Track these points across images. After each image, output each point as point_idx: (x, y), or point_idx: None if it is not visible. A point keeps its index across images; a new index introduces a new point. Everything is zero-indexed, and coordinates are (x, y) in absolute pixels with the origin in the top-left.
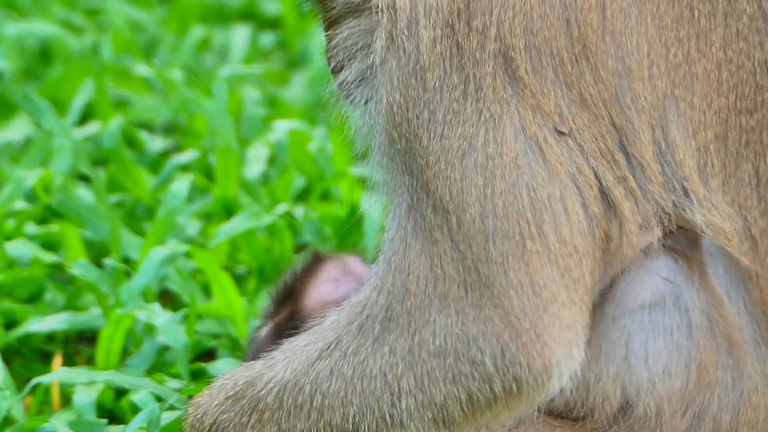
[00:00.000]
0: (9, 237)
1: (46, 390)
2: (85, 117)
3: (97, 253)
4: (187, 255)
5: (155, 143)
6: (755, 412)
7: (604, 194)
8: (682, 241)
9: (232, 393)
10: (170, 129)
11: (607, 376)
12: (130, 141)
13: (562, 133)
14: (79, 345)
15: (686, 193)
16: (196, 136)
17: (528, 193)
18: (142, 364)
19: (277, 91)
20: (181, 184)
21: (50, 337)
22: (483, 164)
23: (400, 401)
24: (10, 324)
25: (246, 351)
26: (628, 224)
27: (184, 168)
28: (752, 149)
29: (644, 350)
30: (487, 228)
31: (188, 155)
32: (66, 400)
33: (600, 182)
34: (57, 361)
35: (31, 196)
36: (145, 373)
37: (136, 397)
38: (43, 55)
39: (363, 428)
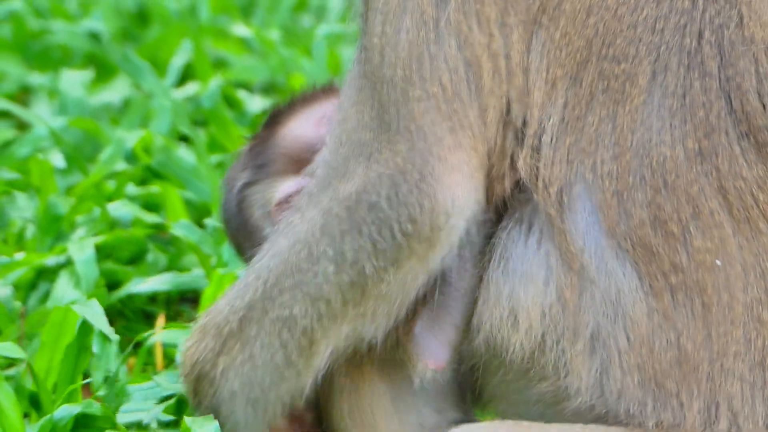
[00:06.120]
0: (110, 198)
1: (150, 350)
2: (184, 77)
3: (198, 213)
4: None
5: (254, 103)
6: (640, 328)
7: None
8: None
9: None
10: (269, 89)
11: (503, 301)
12: (230, 101)
13: None
14: (181, 306)
15: (524, 124)
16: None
17: (408, 38)
18: None
19: None
20: None
21: (152, 298)
22: (384, 11)
23: (318, 264)
24: (113, 285)
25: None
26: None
27: None
28: (611, 97)
29: (511, 272)
30: (384, 75)
31: None
32: (169, 361)
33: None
34: (160, 321)
35: (131, 157)
36: None
37: None
38: (141, 16)
39: (297, 314)
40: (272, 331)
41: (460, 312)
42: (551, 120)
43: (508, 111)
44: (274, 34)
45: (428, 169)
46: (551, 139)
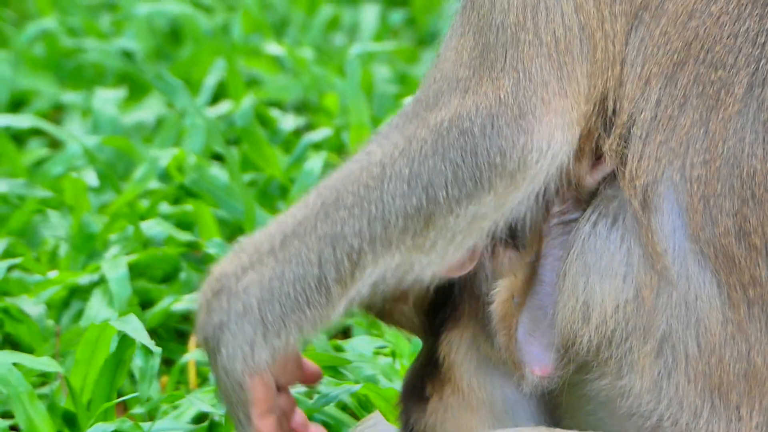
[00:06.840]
0: (144, 217)
1: (182, 369)
2: (217, 96)
3: (231, 232)
4: None
5: (287, 122)
6: (713, 337)
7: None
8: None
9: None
10: (302, 107)
11: (579, 296)
12: (262, 120)
13: None
14: None
15: (614, 112)
16: (327, 114)
17: None
18: None
19: (408, 68)
20: (315, 162)
21: (185, 317)
22: None
23: (389, 183)
24: (146, 303)
25: None
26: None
27: (317, 146)
28: (705, 102)
29: (590, 265)
30: (494, 20)
31: (321, 133)
32: (203, 380)
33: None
34: (193, 340)
35: (164, 176)
36: None
37: None
38: (174, 35)
39: (348, 232)
40: (314, 248)
41: (553, 312)
42: (642, 115)
43: (606, 94)
44: (306, 53)
45: (530, 107)
46: (641, 133)
